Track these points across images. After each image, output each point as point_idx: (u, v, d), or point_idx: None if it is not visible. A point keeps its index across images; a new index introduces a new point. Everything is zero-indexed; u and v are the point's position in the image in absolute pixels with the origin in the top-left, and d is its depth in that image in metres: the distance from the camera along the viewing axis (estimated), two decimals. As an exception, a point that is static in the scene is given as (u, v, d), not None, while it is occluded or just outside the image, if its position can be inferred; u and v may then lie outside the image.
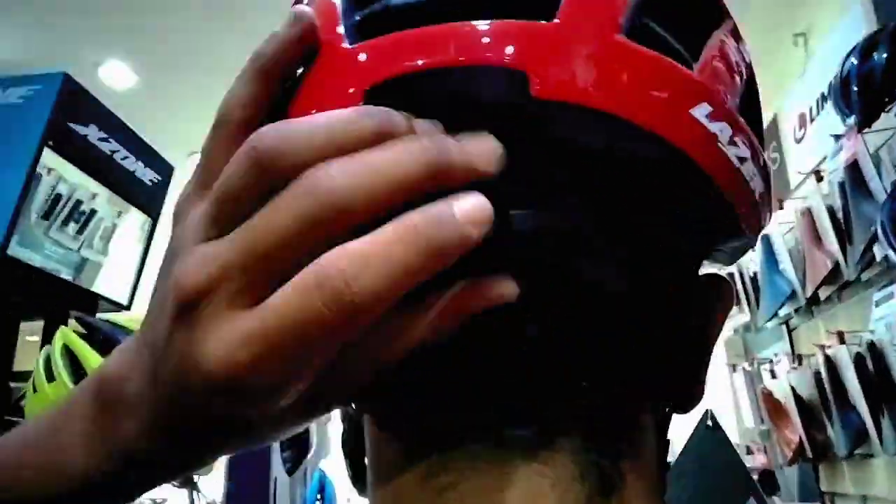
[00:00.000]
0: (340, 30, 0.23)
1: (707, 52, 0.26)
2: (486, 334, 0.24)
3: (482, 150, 0.22)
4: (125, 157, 1.10)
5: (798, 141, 2.32)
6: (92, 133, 1.02)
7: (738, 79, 0.27)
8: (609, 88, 0.22)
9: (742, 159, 0.25)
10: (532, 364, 0.24)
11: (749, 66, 0.29)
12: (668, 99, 0.23)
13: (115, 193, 1.11)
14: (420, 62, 0.22)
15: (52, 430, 0.27)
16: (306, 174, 0.20)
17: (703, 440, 0.77)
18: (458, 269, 0.22)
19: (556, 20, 0.23)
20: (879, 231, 1.41)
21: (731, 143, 0.25)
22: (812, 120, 2.20)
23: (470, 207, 0.21)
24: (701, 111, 0.24)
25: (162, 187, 1.21)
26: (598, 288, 0.25)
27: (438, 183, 0.20)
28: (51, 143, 0.94)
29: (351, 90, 0.22)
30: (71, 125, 0.97)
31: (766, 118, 2.51)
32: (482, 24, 0.22)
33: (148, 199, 1.19)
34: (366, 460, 0.28)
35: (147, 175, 1.17)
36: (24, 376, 1.19)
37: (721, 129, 0.24)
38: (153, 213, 1.21)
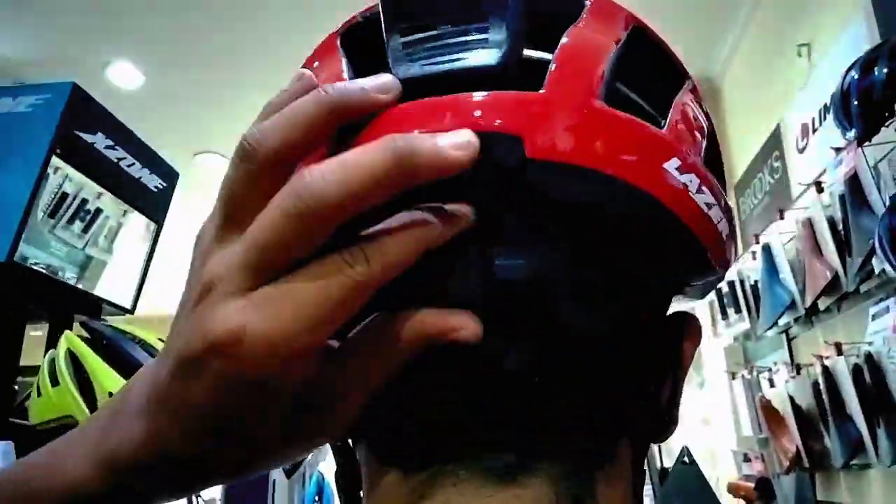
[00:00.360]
0: None
1: (673, 112, 0.29)
2: (469, 370, 0.26)
3: (453, 141, 0.24)
4: (131, 164, 1.12)
5: (801, 151, 2.32)
6: (99, 141, 1.03)
7: (699, 134, 0.30)
8: (593, 149, 0.25)
9: (709, 205, 0.28)
10: (511, 397, 0.26)
11: (708, 118, 0.32)
12: (644, 156, 0.26)
13: (121, 199, 1.13)
14: (434, 128, 0.25)
15: (70, 438, 0.29)
16: (298, 172, 0.23)
17: (681, 475, 0.79)
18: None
19: (542, 90, 0.26)
20: (877, 244, 1.42)
21: (699, 191, 0.27)
22: (815, 130, 2.20)
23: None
24: (672, 165, 0.27)
25: (167, 193, 1.23)
26: (576, 331, 0.27)
27: (408, 173, 0.23)
28: (59, 151, 0.96)
29: None
30: (79, 133, 0.99)
31: (770, 127, 2.52)
32: (482, 96, 0.25)
33: (153, 205, 1.21)
34: (361, 493, 0.30)
35: (153, 182, 1.18)
36: (28, 371, 1.21)
37: (690, 180, 0.27)
38: (158, 218, 1.23)
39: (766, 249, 2.28)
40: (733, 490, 2.69)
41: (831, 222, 1.89)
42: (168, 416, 0.24)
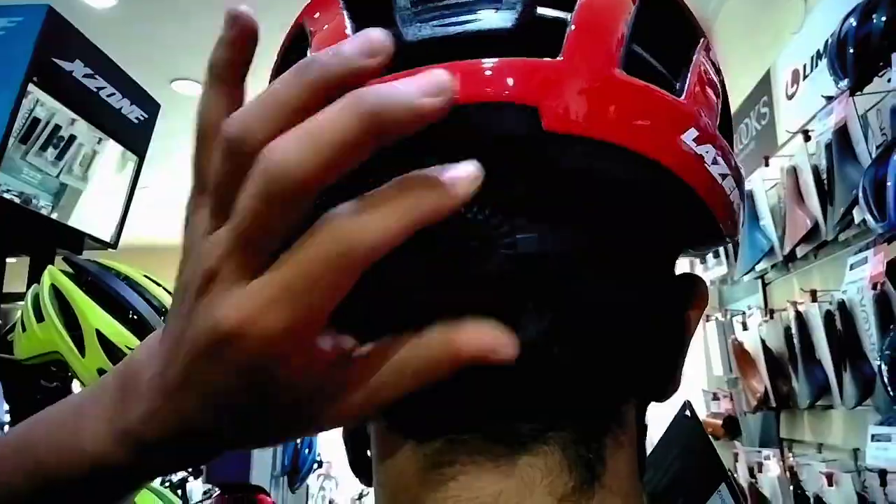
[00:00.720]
0: None
1: (690, 77, 0.28)
2: None
3: (426, 87, 0.21)
4: (111, 94, 1.07)
5: (790, 97, 2.31)
6: (77, 69, 0.99)
7: (714, 97, 0.30)
8: (610, 120, 0.25)
9: (723, 175, 0.28)
10: (526, 369, 0.26)
11: (720, 76, 0.31)
12: (661, 127, 0.26)
13: (102, 131, 1.08)
14: None
15: (76, 411, 0.29)
16: (261, 153, 0.21)
17: (680, 429, 0.82)
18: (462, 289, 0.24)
19: (560, 57, 0.25)
20: (860, 195, 1.43)
21: (714, 162, 0.27)
22: (805, 77, 2.19)
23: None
24: (689, 136, 0.26)
25: (149, 125, 1.19)
26: (590, 305, 0.26)
27: (378, 131, 0.21)
28: (35, 79, 0.92)
29: None
30: (56, 61, 0.95)
31: (761, 72, 2.49)
32: (496, 62, 0.24)
33: (133, 137, 1.17)
34: (369, 453, 0.31)
35: (134, 113, 1.14)
36: (7, 298, 1.20)
37: (706, 151, 0.27)
38: (139, 150, 1.19)
39: (749, 196, 2.29)
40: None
41: (815, 171, 1.90)
42: (190, 398, 0.24)
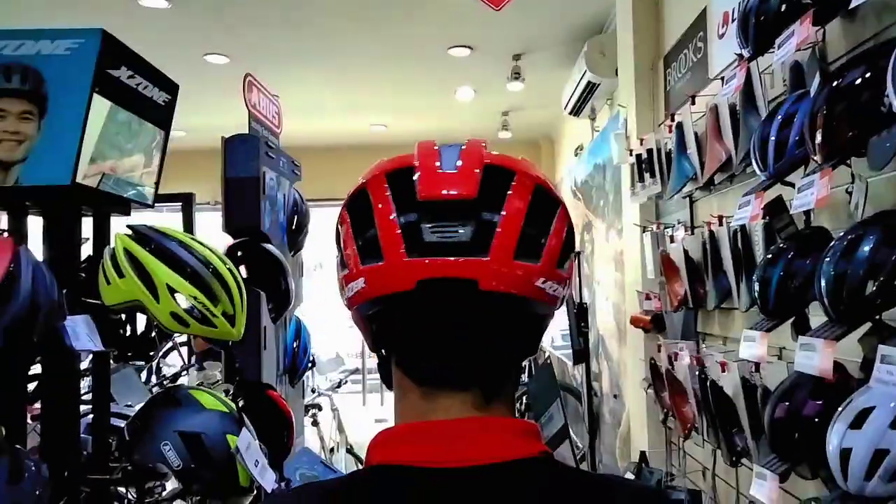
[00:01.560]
0: (402, 250, 0.58)
1: (545, 248, 0.62)
2: (444, 345, 0.61)
3: None
4: (145, 86, 1.31)
5: (720, 37, 2.58)
6: (122, 73, 1.22)
7: (558, 246, 0.63)
8: (507, 283, 0.59)
9: (553, 288, 0.63)
10: (466, 352, 0.61)
11: (570, 226, 0.65)
12: (528, 280, 0.60)
13: (140, 117, 1.33)
14: (439, 274, 0.57)
15: None
16: None
17: (543, 371, 1.18)
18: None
19: (489, 255, 0.58)
20: (751, 148, 1.76)
21: (551, 286, 0.62)
22: (734, 20, 2.44)
23: None
24: (541, 281, 0.61)
25: (171, 104, 1.44)
26: (495, 346, 0.62)
27: None
28: (97, 88, 1.15)
29: (409, 279, 0.58)
30: (109, 71, 1.18)
31: (697, 10, 2.73)
32: (461, 260, 0.58)
33: (162, 116, 1.42)
34: (393, 380, 0.65)
35: (161, 97, 1.39)
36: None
37: (549, 285, 0.62)
38: (166, 126, 1.45)
39: (679, 127, 2.61)
40: (634, 321, 3.27)
41: (733, 110, 2.21)
42: None
